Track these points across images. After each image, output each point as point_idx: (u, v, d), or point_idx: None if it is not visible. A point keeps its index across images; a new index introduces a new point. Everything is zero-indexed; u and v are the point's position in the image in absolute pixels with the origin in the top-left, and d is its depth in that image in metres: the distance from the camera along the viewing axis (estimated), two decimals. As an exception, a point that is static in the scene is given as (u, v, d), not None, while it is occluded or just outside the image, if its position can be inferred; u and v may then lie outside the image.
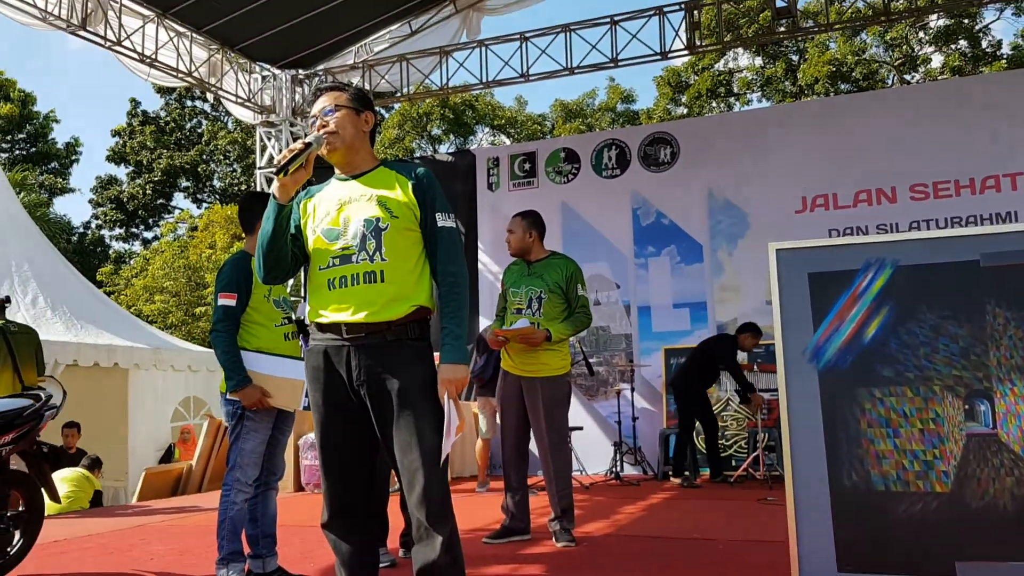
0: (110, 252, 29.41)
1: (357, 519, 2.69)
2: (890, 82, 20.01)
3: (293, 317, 3.82)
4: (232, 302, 3.66)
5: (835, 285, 3.34)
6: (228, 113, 18.59)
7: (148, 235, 30.37)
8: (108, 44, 9.22)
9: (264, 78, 11.40)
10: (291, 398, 3.66)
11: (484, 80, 10.45)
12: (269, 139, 11.41)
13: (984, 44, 19.70)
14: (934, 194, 8.20)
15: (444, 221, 2.69)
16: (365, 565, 2.70)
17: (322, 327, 2.68)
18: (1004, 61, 19.08)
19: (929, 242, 3.33)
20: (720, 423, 8.33)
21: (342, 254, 2.64)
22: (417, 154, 24.21)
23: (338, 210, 2.69)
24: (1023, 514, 3.01)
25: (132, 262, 26.20)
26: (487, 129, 26.89)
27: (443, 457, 2.58)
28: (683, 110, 22.86)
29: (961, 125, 8.21)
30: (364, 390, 2.61)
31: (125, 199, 29.18)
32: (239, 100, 11.13)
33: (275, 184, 2.67)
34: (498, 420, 5.39)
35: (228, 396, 3.67)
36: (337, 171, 2.81)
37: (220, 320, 3.67)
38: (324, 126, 2.71)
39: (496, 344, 4.69)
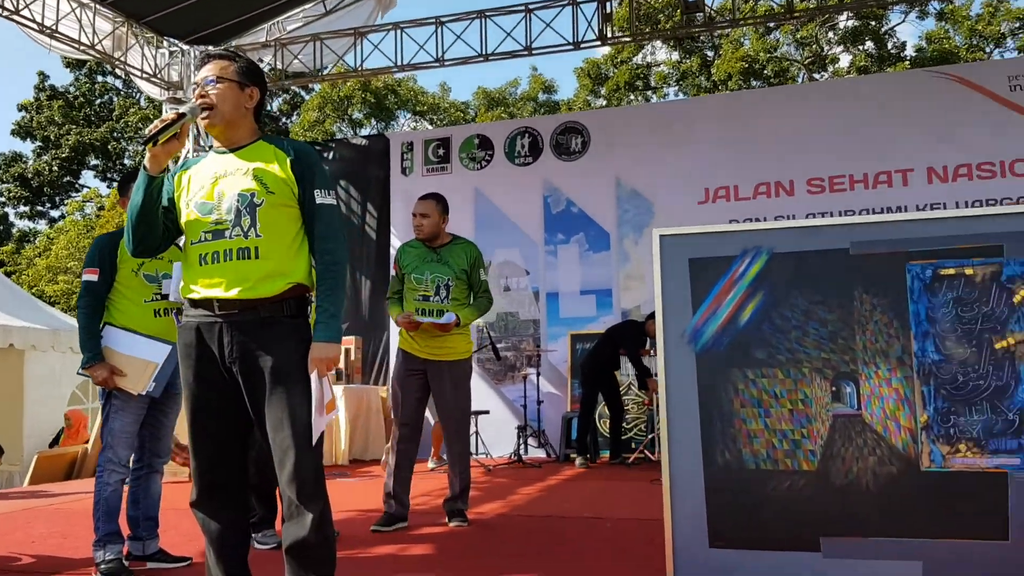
0: (13, 231, 28.17)
1: (228, 498, 2.66)
2: (800, 80, 20.57)
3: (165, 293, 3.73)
4: (94, 277, 3.60)
5: (714, 270, 3.44)
6: (141, 91, 18.04)
7: (55, 214, 29.22)
8: (6, 13, 8.81)
9: (172, 53, 11.07)
10: (136, 380, 3.56)
11: (399, 63, 10.36)
12: (176, 117, 11.08)
13: (889, 45, 20.43)
14: (829, 188, 8.50)
15: (323, 198, 2.66)
16: (235, 544, 2.67)
17: (194, 303, 2.63)
18: (907, 62, 19.83)
19: (802, 230, 3.45)
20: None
21: (215, 229, 2.60)
22: (337, 137, 23.88)
23: (212, 183, 2.64)
24: (883, 492, 3.15)
25: (36, 241, 25.15)
26: (409, 115, 26.68)
27: (316, 436, 2.56)
28: (602, 102, 23.09)
29: (858, 122, 8.51)
30: (236, 367, 2.58)
31: (30, 176, 27.99)
32: (145, 75, 10.78)
33: (146, 155, 2.61)
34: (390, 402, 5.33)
35: (78, 372, 3.63)
36: (215, 144, 2.75)
37: (81, 296, 3.64)
38: (203, 96, 2.65)
39: (410, 326, 4.57)
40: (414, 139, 10.53)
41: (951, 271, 3.18)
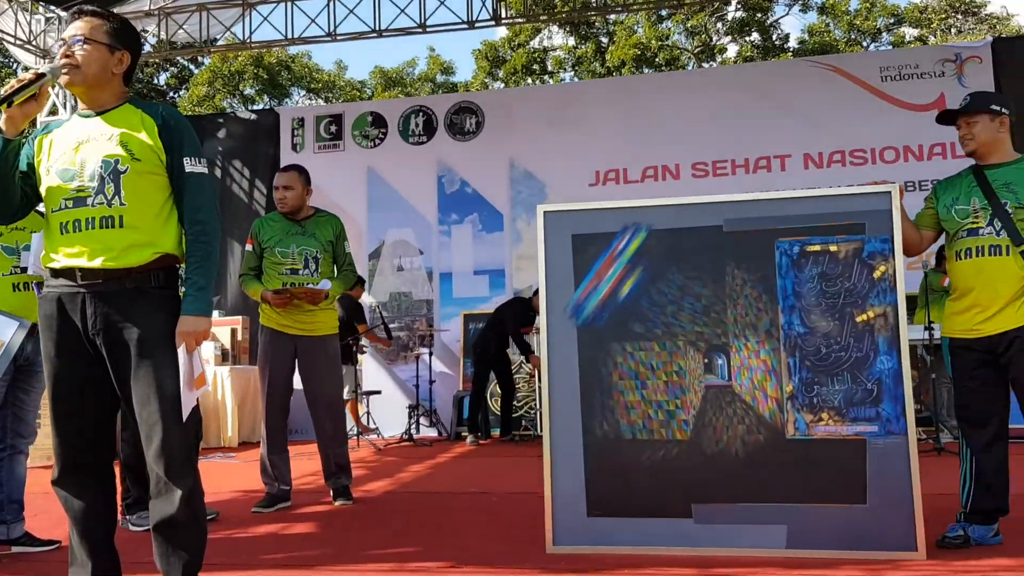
0: None
1: (91, 475, 2.55)
2: (691, 68, 21.08)
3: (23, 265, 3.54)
4: None
5: (595, 246, 3.50)
6: (15, 59, 16.99)
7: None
8: None
9: (48, 20, 10.48)
10: None
11: (290, 37, 10.10)
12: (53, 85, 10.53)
13: (774, 37, 21.12)
14: (713, 172, 8.76)
15: (193, 166, 2.57)
16: (100, 522, 2.57)
17: (55, 272, 2.52)
18: (790, 53, 20.57)
19: (679, 208, 3.55)
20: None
21: (76, 196, 2.48)
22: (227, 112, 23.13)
23: (75, 149, 2.51)
24: (751, 459, 3.29)
25: None
26: (303, 92, 26.04)
27: (187, 411, 2.49)
28: (500, 85, 23.11)
29: (741, 110, 8.77)
30: (100, 339, 2.48)
31: None
32: (19, 42, 10.17)
33: (2, 116, 2.47)
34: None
35: None
36: (80, 106, 2.63)
37: None
38: (67, 56, 2.52)
39: (282, 303, 4.47)
40: (305, 115, 10.30)
41: (817, 248, 3.33)
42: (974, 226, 3.26)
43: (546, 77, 23.15)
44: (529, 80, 22.96)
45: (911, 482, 3.10)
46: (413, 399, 8.60)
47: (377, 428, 8.56)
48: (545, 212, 3.57)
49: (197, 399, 2.57)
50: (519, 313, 7.92)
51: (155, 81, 24.59)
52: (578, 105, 9.40)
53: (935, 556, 3.07)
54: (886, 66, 8.64)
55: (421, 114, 9.80)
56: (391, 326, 8.96)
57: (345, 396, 7.53)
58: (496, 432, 8.29)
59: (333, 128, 10.00)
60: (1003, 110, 3.34)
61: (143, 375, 2.46)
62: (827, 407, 3.25)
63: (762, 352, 3.33)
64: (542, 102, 9.77)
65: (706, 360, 3.38)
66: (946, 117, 3.46)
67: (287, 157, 9.96)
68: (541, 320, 3.50)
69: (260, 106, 24.34)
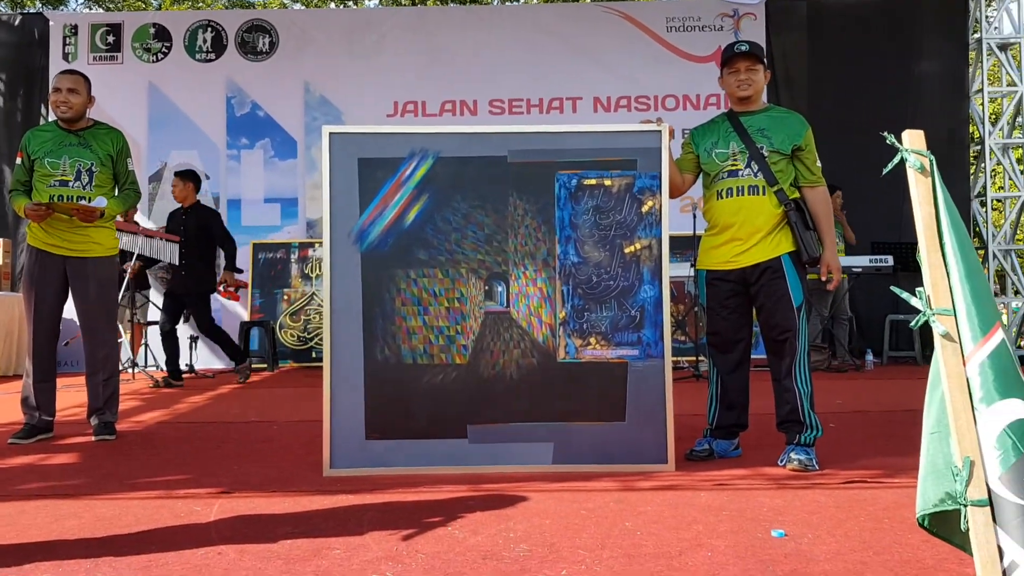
0: None
1: None
2: (495, 3, 21.11)
3: None
4: None
5: (382, 171, 3.49)
6: None
7: None
8: None
9: None
10: None
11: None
12: None
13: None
14: (509, 110, 8.89)
15: None
16: None
17: None
18: None
19: (467, 136, 3.59)
20: (305, 316, 8.47)
21: None
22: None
23: None
24: (524, 381, 3.44)
25: None
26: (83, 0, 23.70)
27: None
28: (298, 5, 22.10)
29: (538, 50, 8.93)
30: None
31: None
32: None
33: None
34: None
35: None
36: None
37: None
38: None
39: (37, 216, 4.10)
40: (79, 22, 9.40)
41: (593, 181, 3.49)
42: (733, 168, 3.53)
43: (350, 3, 22.41)
44: (332, 4, 22.14)
45: (665, 402, 3.37)
46: (194, 329, 8.26)
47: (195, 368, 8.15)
48: (331, 134, 3.50)
49: None
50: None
51: None
52: (378, 33, 9.20)
53: (683, 468, 3.38)
54: (672, 16, 9.06)
55: (210, 29, 9.22)
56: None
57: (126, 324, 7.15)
58: (287, 364, 8.15)
59: (111, 39, 9.22)
60: (767, 66, 3.64)
61: None
62: (595, 332, 3.45)
63: (539, 280, 3.48)
64: (341, 26, 9.44)
65: (486, 287, 3.48)
66: (729, 57, 3.59)
67: (58, 68, 9.08)
68: (324, 245, 3.45)
69: (29, 10, 21.95)
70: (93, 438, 4.22)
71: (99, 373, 4.29)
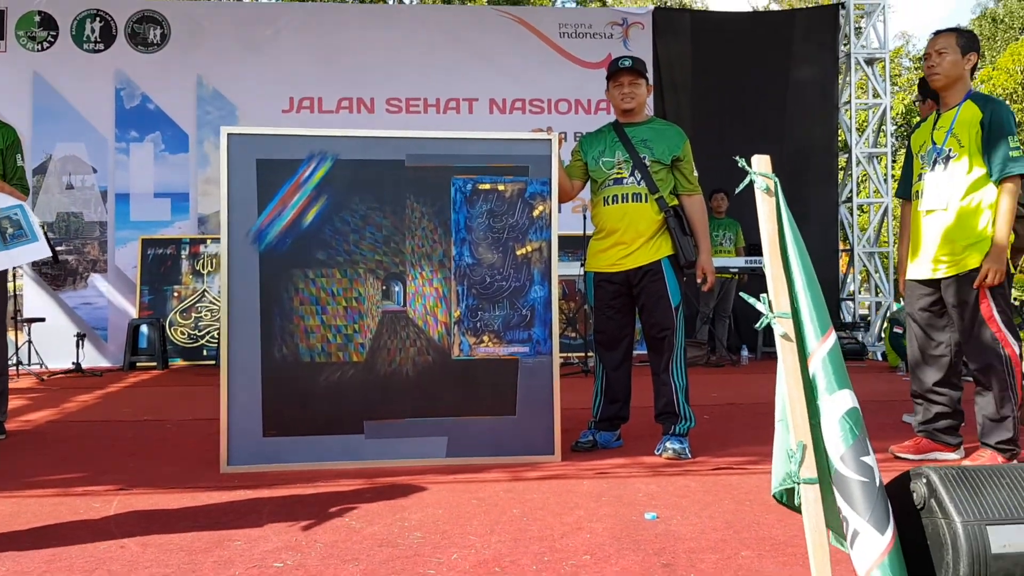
0: None
1: None
2: (391, 1, 21.08)
3: None
4: None
5: (281, 172, 3.57)
6: None
7: None
8: None
9: None
10: None
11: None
12: None
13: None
14: (406, 109, 8.99)
15: None
16: None
17: None
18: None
19: (365, 140, 3.70)
20: (196, 314, 8.36)
21: None
22: None
23: None
24: (420, 378, 3.58)
25: None
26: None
27: None
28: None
29: (435, 50, 9.04)
30: None
31: None
32: None
33: None
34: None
35: None
36: None
37: None
38: None
39: None
40: (-45, 6, 8.98)
41: (487, 186, 3.67)
42: (619, 176, 3.76)
43: (241, -8, 21.94)
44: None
45: (553, 396, 3.58)
46: (81, 327, 8.07)
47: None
48: (230, 134, 3.57)
49: None
50: None
51: None
52: (274, 27, 9.13)
53: (568, 458, 3.60)
54: (564, 22, 9.34)
55: (98, 19, 8.96)
56: (58, 249, 8.25)
57: None
58: (177, 362, 8.04)
59: (-9, 24, 8.84)
60: (649, 80, 3.87)
61: None
62: (488, 331, 3.63)
63: (435, 280, 3.63)
64: (236, 20, 9.31)
65: (384, 287, 3.61)
66: (615, 72, 3.83)
67: (-70, 54, 8.69)
68: (222, 245, 3.51)
69: None
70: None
71: None
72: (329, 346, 3.56)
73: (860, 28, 9.84)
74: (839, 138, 9.73)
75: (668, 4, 21.15)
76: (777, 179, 1.78)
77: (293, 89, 8.96)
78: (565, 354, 7.69)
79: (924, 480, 1.68)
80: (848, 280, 9.77)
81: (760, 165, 1.79)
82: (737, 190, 1.86)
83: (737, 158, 1.81)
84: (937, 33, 3.59)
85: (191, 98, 8.96)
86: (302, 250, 3.56)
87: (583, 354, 7.28)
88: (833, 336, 1.77)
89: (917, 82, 5.72)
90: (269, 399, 3.47)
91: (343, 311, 3.58)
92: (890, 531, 1.58)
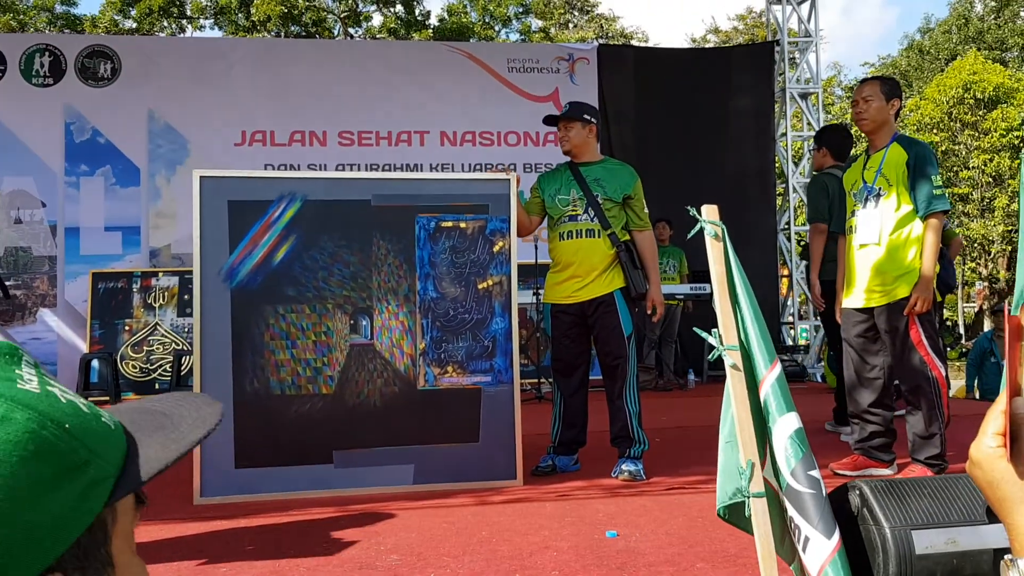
0: None
1: None
2: (337, 32, 21.25)
3: None
4: None
5: (252, 213, 3.71)
6: None
7: None
8: None
9: None
10: None
11: None
12: None
13: (417, 12, 22.00)
14: (358, 142, 9.15)
15: None
16: None
17: None
18: (431, 31, 21.59)
19: (333, 181, 3.88)
20: (148, 347, 8.36)
21: None
22: None
23: None
24: (387, 409, 3.74)
25: None
26: None
27: None
28: (132, 24, 21.42)
29: (386, 84, 9.25)
30: None
31: None
32: None
33: None
34: None
35: None
36: None
37: None
38: None
39: None
40: None
41: (450, 224, 3.85)
42: (573, 213, 3.99)
43: (185, 22, 21.91)
44: (166, 23, 21.57)
45: (514, 423, 3.76)
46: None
47: None
48: (201, 177, 3.69)
49: None
50: None
51: None
52: (225, 62, 9.23)
53: (530, 482, 3.77)
54: (512, 58, 9.63)
55: (48, 54, 8.97)
56: (7, 283, 8.18)
57: None
58: (129, 396, 8.02)
59: (-64, 58, 8.80)
60: (592, 119, 4.09)
61: None
62: (452, 361, 3.80)
63: (401, 314, 3.79)
64: (185, 54, 9.41)
65: (352, 321, 3.77)
66: (550, 120, 4.16)
67: None
68: (195, 283, 3.63)
69: None
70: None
71: None
72: (299, 379, 3.70)
73: (795, 60, 10.32)
74: (776, 167, 10.15)
75: (611, 39, 21.70)
76: (724, 226, 2.00)
77: (245, 123, 9.07)
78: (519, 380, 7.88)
79: (858, 492, 1.90)
80: (788, 304, 10.16)
81: (709, 214, 2.01)
82: (689, 235, 2.07)
83: (689, 208, 2.03)
84: (863, 82, 3.91)
85: (142, 132, 9.00)
86: (273, 287, 3.70)
87: (536, 380, 7.47)
88: (778, 366, 1.98)
89: (817, 130, 6.13)
90: (241, 431, 3.59)
91: (312, 345, 3.73)
92: (836, 535, 1.79)
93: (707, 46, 24.50)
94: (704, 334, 1.99)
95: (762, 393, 1.95)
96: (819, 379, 9.06)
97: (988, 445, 0.83)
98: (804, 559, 1.81)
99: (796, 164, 10.07)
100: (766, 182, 10.00)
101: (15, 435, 0.55)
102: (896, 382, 3.93)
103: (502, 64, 9.52)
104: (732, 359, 1.91)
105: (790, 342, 10.02)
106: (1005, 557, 0.81)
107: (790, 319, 10.09)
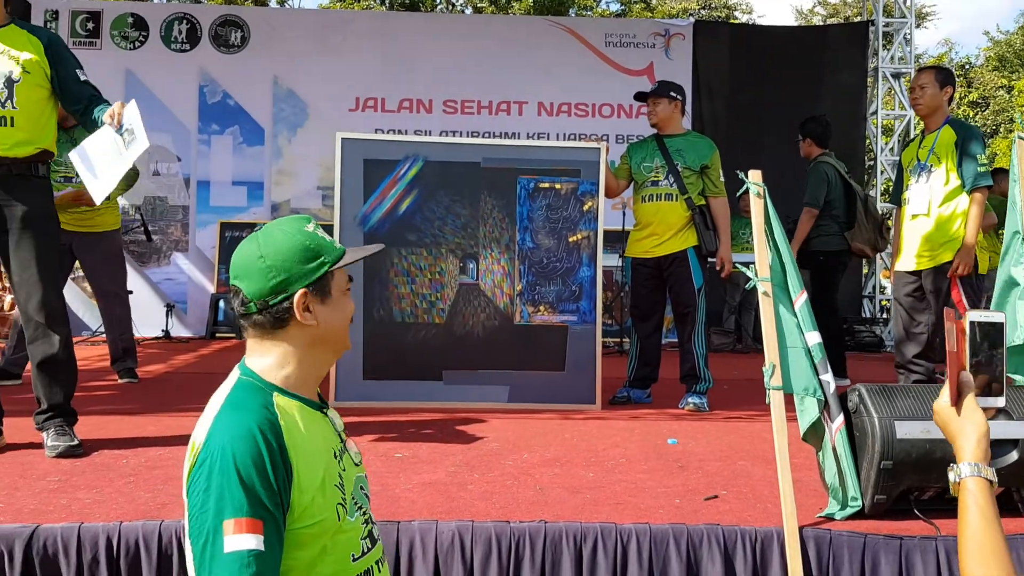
0: None
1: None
2: (439, 3, 21.95)
3: None
4: None
5: (382, 169, 4.42)
6: None
7: None
8: None
9: None
10: None
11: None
12: None
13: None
14: (461, 110, 9.82)
15: (85, 76, 3.22)
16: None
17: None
18: (531, 2, 22.07)
19: (449, 145, 4.56)
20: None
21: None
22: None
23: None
24: (488, 339, 4.42)
25: None
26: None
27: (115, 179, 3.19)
28: (274, 3, 22.62)
29: (488, 56, 9.86)
30: (-8, 212, 3.05)
31: None
32: None
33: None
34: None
35: None
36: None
37: None
38: None
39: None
40: (60, 7, 9.96)
41: (546, 185, 4.48)
42: (655, 179, 4.56)
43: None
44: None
45: (595, 357, 4.39)
46: (166, 300, 9.03)
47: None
48: (343, 139, 4.41)
49: None
50: None
51: None
52: (342, 33, 10.00)
53: (607, 408, 4.40)
54: (610, 33, 10.11)
55: (185, 22, 9.90)
56: (150, 228, 9.20)
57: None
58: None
59: (90, 25, 9.82)
60: (678, 96, 4.64)
61: (24, 244, 3.07)
62: (544, 302, 4.45)
63: (502, 260, 4.46)
64: (309, 25, 10.21)
65: (461, 264, 4.45)
66: (640, 96, 4.72)
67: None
68: (335, 227, 4.36)
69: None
70: (120, 380, 5.07)
71: (114, 327, 5.16)
72: (416, 310, 4.41)
73: (891, 39, 10.50)
74: (866, 145, 10.40)
75: (711, 14, 21.76)
76: (765, 186, 2.58)
77: (359, 90, 9.82)
78: (604, 339, 8.48)
79: (856, 393, 2.47)
80: (871, 278, 10.45)
81: (753, 176, 2.58)
82: (738, 194, 2.65)
83: (739, 172, 2.60)
84: (920, 71, 4.37)
85: (267, 96, 9.85)
86: (397, 232, 4.40)
87: (619, 339, 8.07)
88: (805, 294, 2.56)
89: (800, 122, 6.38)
90: (368, 350, 4.33)
91: (428, 282, 4.43)
92: (841, 417, 2.40)
93: (813, 19, 24.27)
94: (743, 268, 2.58)
95: (796, 307, 2.52)
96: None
97: (942, 400, 1.35)
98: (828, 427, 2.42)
99: (886, 143, 10.30)
100: (856, 159, 10.26)
101: (301, 237, 1.41)
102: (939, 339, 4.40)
103: (599, 38, 10.01)
104: (763, 287, 2.49)
105: (868, 314, 10.31)
106: (950, 464, 1.32)
107: (870, 291, 10.38)
